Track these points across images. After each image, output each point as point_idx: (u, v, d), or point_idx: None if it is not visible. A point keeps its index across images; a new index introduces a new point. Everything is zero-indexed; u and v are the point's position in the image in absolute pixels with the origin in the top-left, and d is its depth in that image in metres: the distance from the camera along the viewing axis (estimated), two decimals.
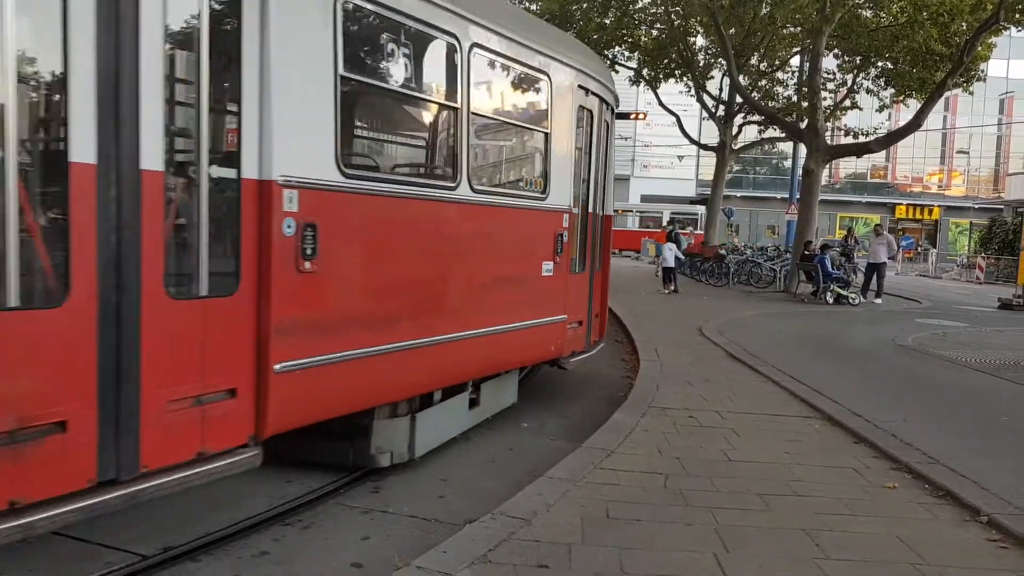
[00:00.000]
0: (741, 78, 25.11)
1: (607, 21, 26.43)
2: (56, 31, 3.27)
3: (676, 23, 26.17)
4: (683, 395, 7.85)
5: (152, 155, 3.59)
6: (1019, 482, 5.31)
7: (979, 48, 19.14)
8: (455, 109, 5.72)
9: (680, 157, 50.60)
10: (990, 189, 59.12)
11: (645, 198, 54.68)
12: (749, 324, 14.21)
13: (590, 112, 7.74)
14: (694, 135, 33.74)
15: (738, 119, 29.57)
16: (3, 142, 3.11)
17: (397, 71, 5.22)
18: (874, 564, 4.00)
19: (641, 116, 41.25)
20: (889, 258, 21.51)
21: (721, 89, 29.80)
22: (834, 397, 7.90)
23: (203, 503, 4.73)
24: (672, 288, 20.08)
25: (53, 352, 3.32)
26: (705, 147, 32.46)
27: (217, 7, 3.98)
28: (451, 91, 5.74)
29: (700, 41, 28.78)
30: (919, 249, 46.57)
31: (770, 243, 42.52)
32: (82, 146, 3.34)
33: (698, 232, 30.71)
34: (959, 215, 58.14)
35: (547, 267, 6.99)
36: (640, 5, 26.56)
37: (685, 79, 28.81)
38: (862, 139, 23.70)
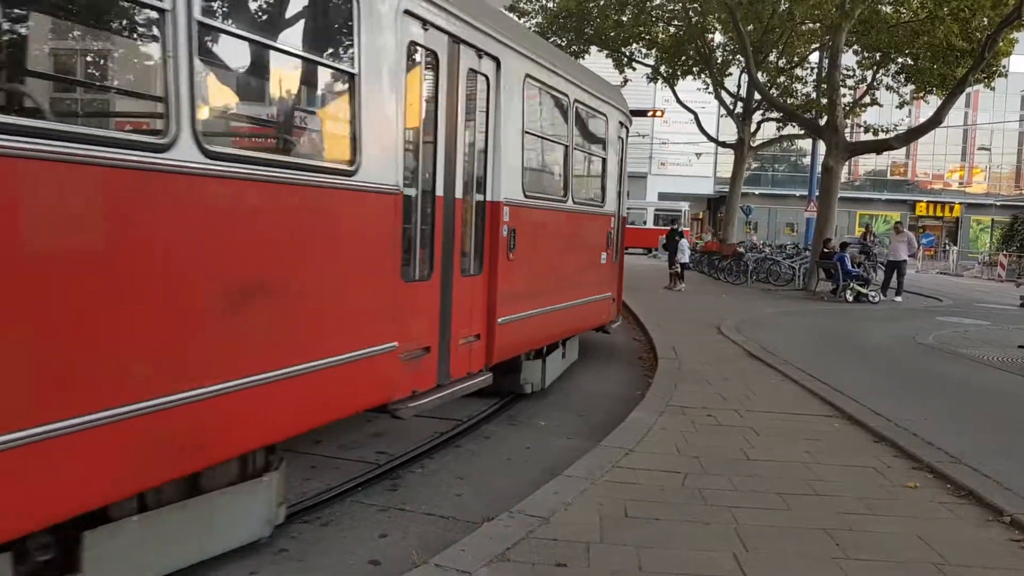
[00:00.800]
0: (759, 75, 24.97)
1: (624, 18, 26.37)
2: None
3: (694, 20, 26.05)
4: (701, 393, 7.81)
5: (453, 189, 5.76)
6: None
7: (1001, 43, 18.95)
8: (565, 146, 8.13)
9: (698, 154, 50.46)
10: (1012, 186, 58.50)
11: (663, 196, 54.48)
12: (768, 322, 14.14)
13: (622, 139, 10.27)
14: (712, 132, 33.61)
15: (756, 116, 29.43)
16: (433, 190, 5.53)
17: (537, 122, 7.57)
18: (895, 564, 3.96)
19: (659, 113, 41.17)
20: (910, 256, 21.34)
21: (739, 86, 29.64)
22: (854, 396, 7.84)
23: None
24: (682, 286, 20.17)
25: (425, 306, 5.46)
26: (723, 144, 32.29)
27: (481, 110, 6.28)
28: (561, 133, 8.18)
29: (718, 38, 28.66)
30: (946, 247, 46.11)
31: (789, 241, 42.29)
32: (439, 187, 5.53)
33: (684, 228, 30.48)
34: (981, 212, 57.56)
35: (603, 256, 9.48)
36: (657, 2, 26.52)
37: (703, 76, 28.70)
38: (882, 136, 23.52)
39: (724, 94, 28.83)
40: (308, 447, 5.93)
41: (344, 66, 4.59)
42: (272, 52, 4.43)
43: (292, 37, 4.56)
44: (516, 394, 7.67)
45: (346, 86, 4.58)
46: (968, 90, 23.41)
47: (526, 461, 5.90)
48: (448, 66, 5.68)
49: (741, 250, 26.37)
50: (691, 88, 31.91)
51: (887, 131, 23.68)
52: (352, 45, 4.51)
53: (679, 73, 28.77)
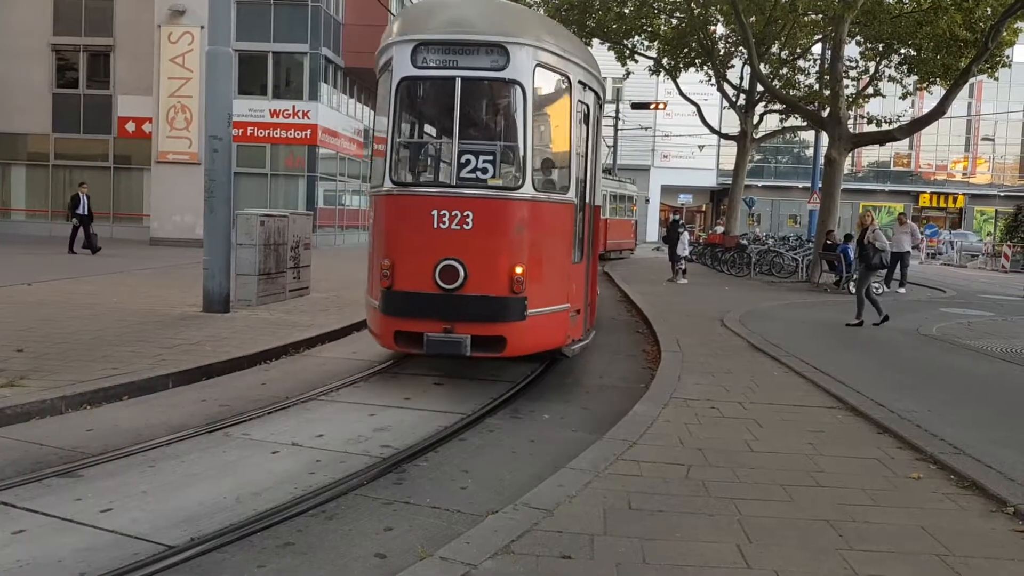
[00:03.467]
0: (762, 67, 24.91)
1: (626, 10, 26.32)
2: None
3: (696, 12, 25.98)
4: (705, 386, 7.83)
5: (576, 188, 8.17)
6: None
7: (1004, 33, 18.86)
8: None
9: (701, 147, 50.32)
10: (1016, 176, 58.27)
11: (665, 188, 54.33)
12: (771, 314, 14.14)
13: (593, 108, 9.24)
14: (715, 124, 33.55)
15: (759, 108, 29.38)
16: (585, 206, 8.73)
17: (573, 130, 8.08)
18: (898, 555, 3.97)
19: (661, 106, 41.01)
20: (913, 247, 21.29)
21: (742, 78, 29.59)
22: (857, 387, 7.85)
23: (228, 494, 4.79)
24: (684, 279, 20.21)
25: (579, 282, 8.30)
26: (726, 136, 32.26)
27: (581, 118, 8.23)
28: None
29: (720, 30, 28.59)
30: (952, 239, 45.95)
31: (792, 232, 42.17)
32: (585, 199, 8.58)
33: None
34: (984, 203, 57.40)
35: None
36: None
37: (705, 68, 28.65)
38: (885, 127, 23.43)
39: (727, 86, 28.77)
40: (312, 441, 5.96)
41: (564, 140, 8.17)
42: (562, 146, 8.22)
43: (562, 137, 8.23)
44: (555, 359, 8.84)
45: (564, 149, 8.13)
46: (972, 80, 23.33)
47: (531, 454, 5.90)
48: (589, 109, 8.58)
49: (744, 242, 26.35)
50: (693, 80, 31.85)
51: (890, 122, 23.59)
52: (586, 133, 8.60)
53: (681, 65, 28.71)
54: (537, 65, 7.43)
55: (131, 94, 28.79)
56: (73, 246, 21.44)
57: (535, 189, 7.51)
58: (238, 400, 7.16)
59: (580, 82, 8.04)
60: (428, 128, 8.87)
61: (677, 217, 22.48)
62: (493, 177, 7.51)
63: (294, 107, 28.23)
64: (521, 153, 7.45)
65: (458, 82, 7.25)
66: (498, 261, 7.31)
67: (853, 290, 19.00)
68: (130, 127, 29.12)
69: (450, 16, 7.48)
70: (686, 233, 21.06)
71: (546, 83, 7.89)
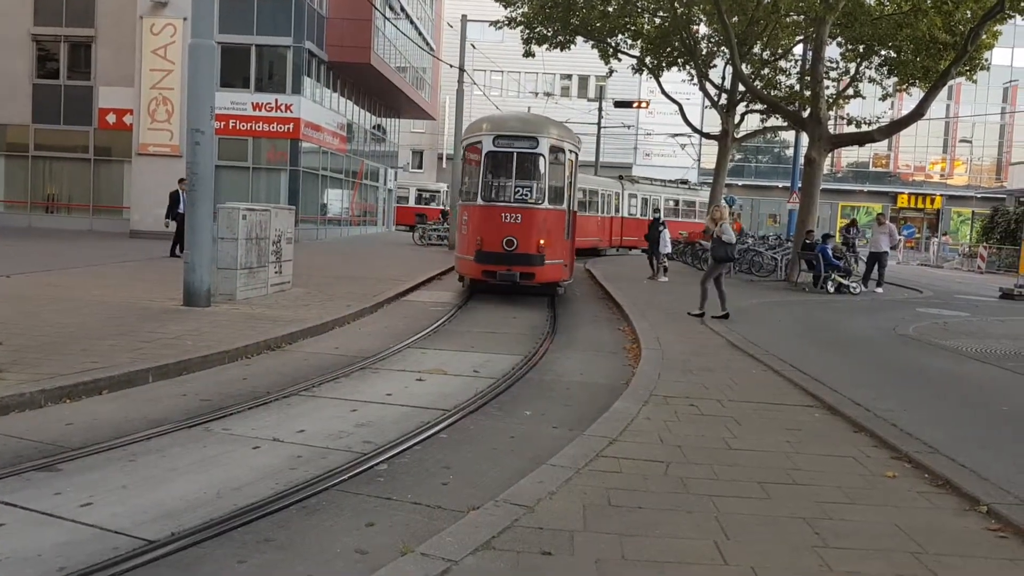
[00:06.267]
0: (744, 67, 25.02)
1: (610, 9, 26.32)
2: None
3: (679, 11, 26.02)
4: (684, 383, 7.89)
5: (567, 204, 15.51)
6: (1019, 472, 5.34)
7: (983, 36, 19.07)
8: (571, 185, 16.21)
9: (682, 145, 50.39)
10: (993, 178, 58.95)
11: None
12: (750, 313, 14.25)
13: (574, 161, 16.14)
14: (696, 123, 33.66)
15: (740, 108, 29.46)
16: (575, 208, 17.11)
17: (566, 175, 15.53)
18: (873, 552, 4.03)
19: (644, 104, 41.10)
20: (892, 248, 21.50)
21: (723, 78, 29.69)
22: (834, 386, 7.94)
23: (209, 489, 4.79)
24: (664, 277, 20.29)
25: (567, 250, 15.68)
26: (707, 135, 32.34)
27: (570, 170, 15.59)
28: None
29: (703, 29, 28.68)
30: (936, 237, 46.40)
31: (772, 232, 42.41)
32: (570, 208, 15.86)
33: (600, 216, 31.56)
34: (961, 204, 58.01)
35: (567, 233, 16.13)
36: None
37: (688, 68, 28.70)
38: (864, 128, 23.64)
39: (708, 85, 28.86)
40: (293, 436, 5.96)
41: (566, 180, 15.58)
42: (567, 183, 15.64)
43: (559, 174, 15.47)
44: (554, 295, 15.72)
45: (561, 184, 15.39)
46: (950, 83, 23.55)
47: (512, 450, 5.93)
48: (574, 163, 15.77)
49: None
50: (676, 79, 31.91)
51: (869, 123, 23.80)
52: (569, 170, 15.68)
53: (664, 64, 28.75)
54: (550, 145, 14.99)
55: (112, 85, 28.52)
56: (175, 249, 18.73)
57: (548, 204, 14.96)
58: (219, 395, 7.15)
59: (569, 150, 15.55)
60: (499, 174, 15.30)
61: (657, 215, 22.58)
62: (530, 198, 14.82)
63: (277, 100, 28.09)
64: (543, 186, 14.93)
65: (515, 154, 14.93)
66: (532, 237, 14.60)
67: (831, 289, 19.27)
68: (111, 119, 28.85)
69: (510, 124, 15.47)
70: (667, 231, 21.15)
71: (553, 153, 15.20)
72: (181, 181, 19.24)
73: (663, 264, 20.92)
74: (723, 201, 26.00)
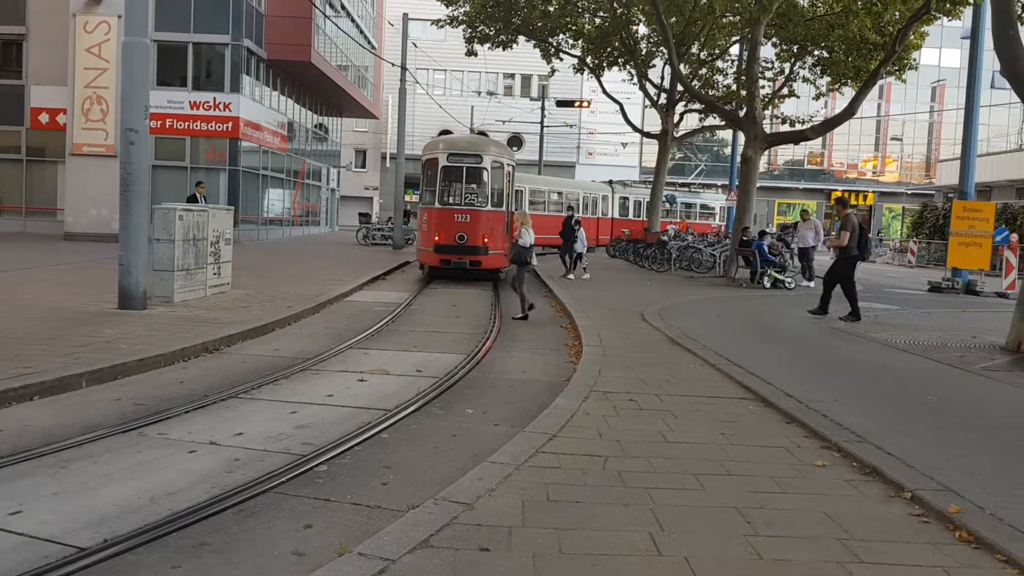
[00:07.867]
0: (682, 67, 25.39)
1: (551, 8, 26.48)
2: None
3: (619, 11, 26.33)
4: (624, 379, 8.00)
5: (505, 207, 19.78)
6: (941, 460, 5.53)
7: (911, 37, 19.70)
8: (518, 190, 25.11)
9: (624, 144, 50.97)
10: (922, 175, 60.77)
11: None
12: (689, 309, 14.48)
13: (511, 173, 20.31)
14: (637, 123, 34.03)
15: (679, 107, 29.90)
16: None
17: (508, 184, 20.16)
18: (802, 540, 4.15)
19: (585, 104, 41.39)
20: (820, 243, 21.98)
21: (663, 78, 30.09)
22: (768, 379, 8.13)
23: (143, 494, 4.72)
24: (586, 275, 20.30)
25: (505, 244, 19.01)
26: (647, 135, 32.76)
27: (508, 180, 20.08)
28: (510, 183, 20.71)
29: (642, 29, 29.02)
30: (879, 235, 47.64)
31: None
32: (508, 209, 19.93)
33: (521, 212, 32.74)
34: (893, 200, 59.68)
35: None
36: None
37: (628, 67, 29.04)
38: (799, 127, 24.20)
39: (648, 85, 29.23)
40: (231, 439, 5.90)
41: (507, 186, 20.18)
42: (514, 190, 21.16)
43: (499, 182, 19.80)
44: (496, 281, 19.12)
45: (500, 189, 19.85)
46: (881, 82, 24.25)
47: (453, 449, 5.95)
48: (511, 174, 20.34)
49: (665, 238, 26.87)
50: (616, 79, 32.28)
51: (804, 122, 24.38)
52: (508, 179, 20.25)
53: (605, 64, 29.06)
54: (492, 161, 19.18)
55: (45, 84, 27.78)
56: None
57: (491, 206, 19.12)
58: (155, 399, 7.03)
59: (507, 163, 19.83)
60: (452, 183, 19.37)
61: (571, 213, 22.56)
62: (477, 201, 19.06)
63: (215, 99, 27.64)
64: (487, 192, 19.17)
65: (464, 168, 19.20)
66: (478, 233, 18.64)
67: (767, 284, 19.67)
68: (43, 118, 28.09)
69: (460, 144, 20.06)
70: (582, 230, 21.15)
71: (494, 167, 19.30)
72: (199, 184, 20.70)
73: (583, 264, 20.88)
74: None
